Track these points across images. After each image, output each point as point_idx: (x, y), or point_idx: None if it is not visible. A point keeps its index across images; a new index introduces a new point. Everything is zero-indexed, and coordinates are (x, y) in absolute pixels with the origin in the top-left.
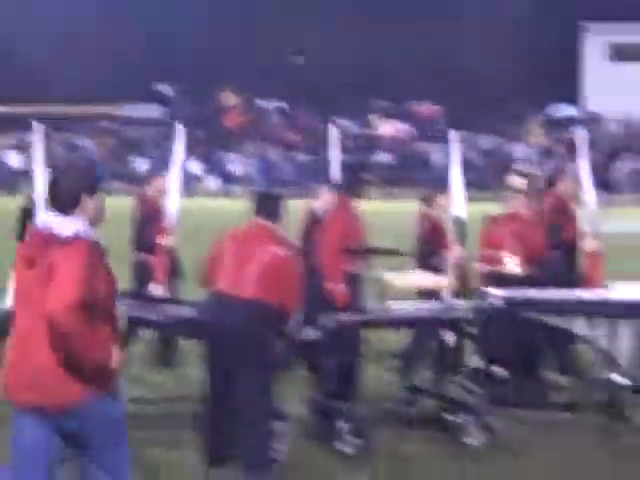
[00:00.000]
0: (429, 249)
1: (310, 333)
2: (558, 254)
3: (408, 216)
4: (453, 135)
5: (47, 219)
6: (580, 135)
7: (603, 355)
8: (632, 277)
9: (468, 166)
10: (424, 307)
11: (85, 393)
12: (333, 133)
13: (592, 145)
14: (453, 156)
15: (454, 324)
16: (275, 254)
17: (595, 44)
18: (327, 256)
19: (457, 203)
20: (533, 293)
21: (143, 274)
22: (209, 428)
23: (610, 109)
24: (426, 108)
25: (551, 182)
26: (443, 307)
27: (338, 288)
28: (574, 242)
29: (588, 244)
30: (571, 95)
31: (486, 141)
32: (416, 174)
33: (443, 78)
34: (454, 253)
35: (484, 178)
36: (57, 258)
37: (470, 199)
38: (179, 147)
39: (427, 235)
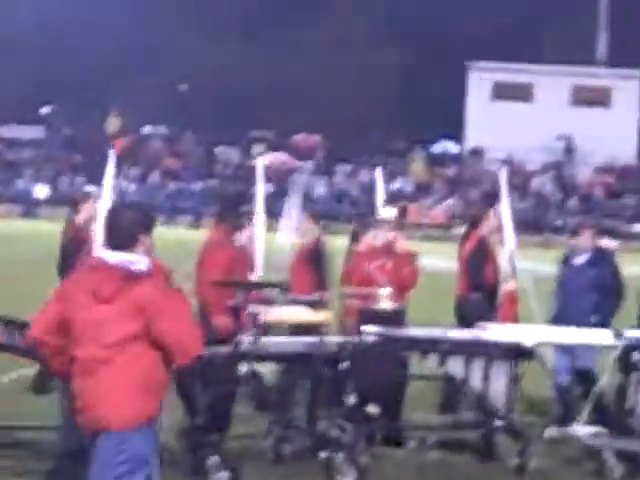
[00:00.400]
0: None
1: None
2: (479, 295)
3: (288, 248)
4: (378, 171)
5: (119, 256)
6: (502, 175)
7: (476, 395)
8: None
9: (348, 200)
10: (298, 342)
11: (130, 425)
12: (260, 166)
13: (473, 183)
14: (378, 191)
15: (328, 360)
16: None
17: (478, 82)
18: (208, 288)
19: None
20: (406, 331)
21: None
22: (69, 457)
23: (491, 147)
24: (306, 139)
25: (474, 222)
26: (317, 343)
27: (221, 320)
28: (495, 283)
29: (507, 284)
30: (457, 132)
31: (367, 175)
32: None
33: (327, 110)
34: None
35: (364, 212)
36: (142, 295)
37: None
38: (110, 172)
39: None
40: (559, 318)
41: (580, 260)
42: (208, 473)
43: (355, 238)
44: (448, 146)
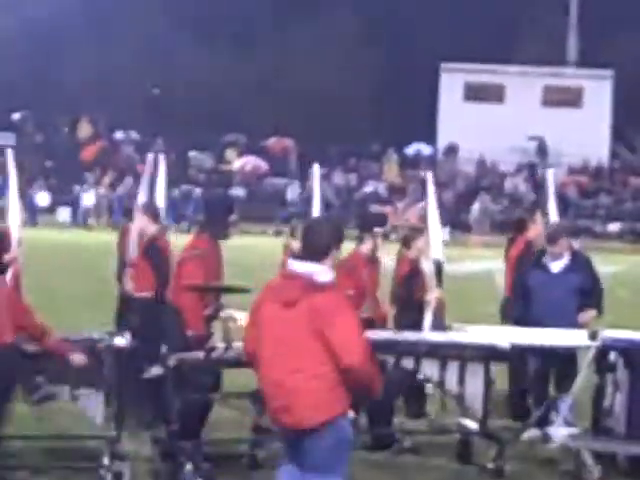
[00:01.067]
0: (408, 291)
1: (154, 371)
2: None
3: (261, 251)
4: (429, 176)
5: (305, 267)
6: (549, 179)
7: (453, 398)
8: (482, 320)
9: (322, 203)
10: None
11: (330, 417)
12: (316, 174)
13: (446, 184)
14: (430, 198)
15: None
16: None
17: (450, 84)
18: (184, 295)
19: (435, 244)
20: (383, 335)
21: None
22: None
23: (464, 148)
24: (279, 143)
25: (521, 226)
26: None
27: (197, 326)
28: None
29: None
30: (429, 134)
31: (341, 178)
32: (271, 210)
33: (298, 113)
34: (434, 294)
35: (339, 215)
36: (320, 302)
37: None
38: (162, 178)
39: (406, 277)
40: (540, 324)
41: (558, 266)
42: None
43: (407, 244)
44: (421, 148)
